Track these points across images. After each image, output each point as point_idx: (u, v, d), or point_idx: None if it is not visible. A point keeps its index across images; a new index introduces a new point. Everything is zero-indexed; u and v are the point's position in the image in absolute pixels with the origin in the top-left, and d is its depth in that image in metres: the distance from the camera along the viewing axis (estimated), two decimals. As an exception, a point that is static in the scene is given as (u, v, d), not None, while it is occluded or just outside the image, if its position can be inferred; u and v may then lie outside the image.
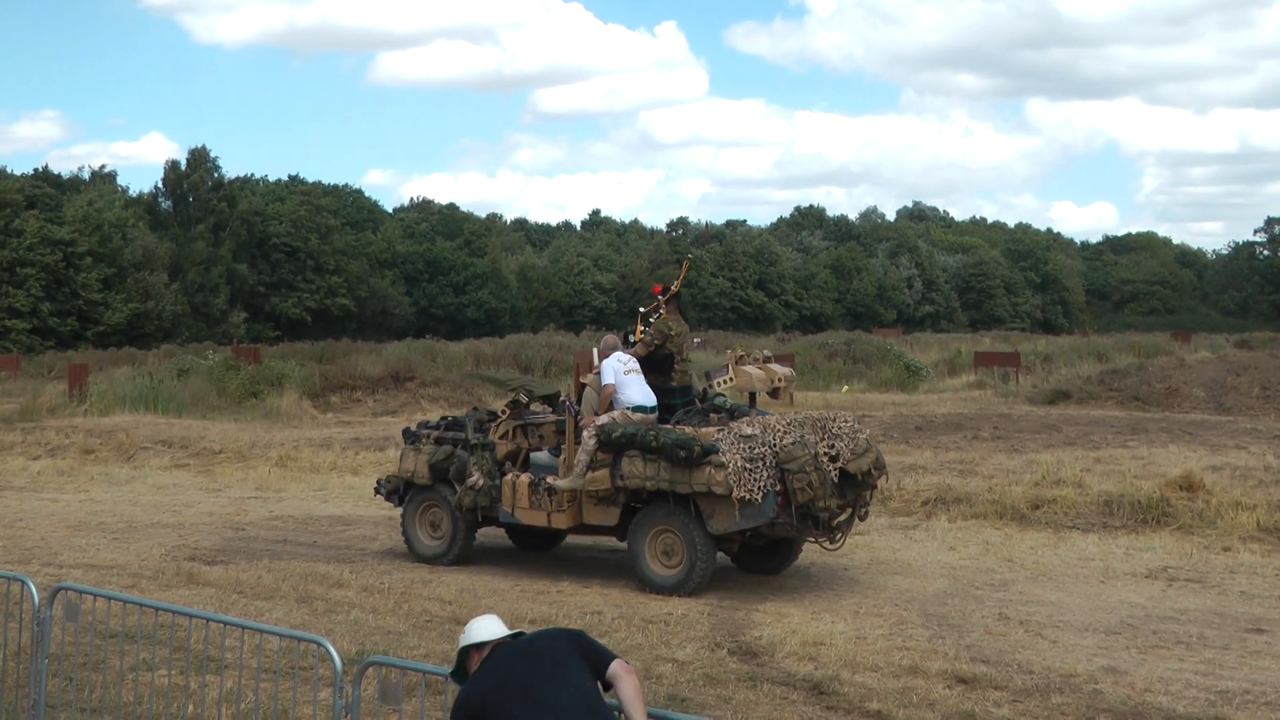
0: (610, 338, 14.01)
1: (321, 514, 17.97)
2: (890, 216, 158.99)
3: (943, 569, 14.09)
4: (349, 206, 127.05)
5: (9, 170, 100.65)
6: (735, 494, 12.22)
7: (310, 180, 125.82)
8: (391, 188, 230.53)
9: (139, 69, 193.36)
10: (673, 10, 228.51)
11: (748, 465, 12.26)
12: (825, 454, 12.61)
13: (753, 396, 14.11)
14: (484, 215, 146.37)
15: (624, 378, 13.28)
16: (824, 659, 10.23)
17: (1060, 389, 34.32)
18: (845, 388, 40.57)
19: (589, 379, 13.88)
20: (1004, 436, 24.78)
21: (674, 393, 13.64)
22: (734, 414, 13.52)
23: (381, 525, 16.89)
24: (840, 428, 13.01)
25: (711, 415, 13.48)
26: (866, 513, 13.53)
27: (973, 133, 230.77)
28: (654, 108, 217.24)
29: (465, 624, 6.21)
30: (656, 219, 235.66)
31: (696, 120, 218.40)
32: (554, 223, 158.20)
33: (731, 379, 13.77)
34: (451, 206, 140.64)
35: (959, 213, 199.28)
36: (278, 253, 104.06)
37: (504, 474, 14.05)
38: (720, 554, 13.36)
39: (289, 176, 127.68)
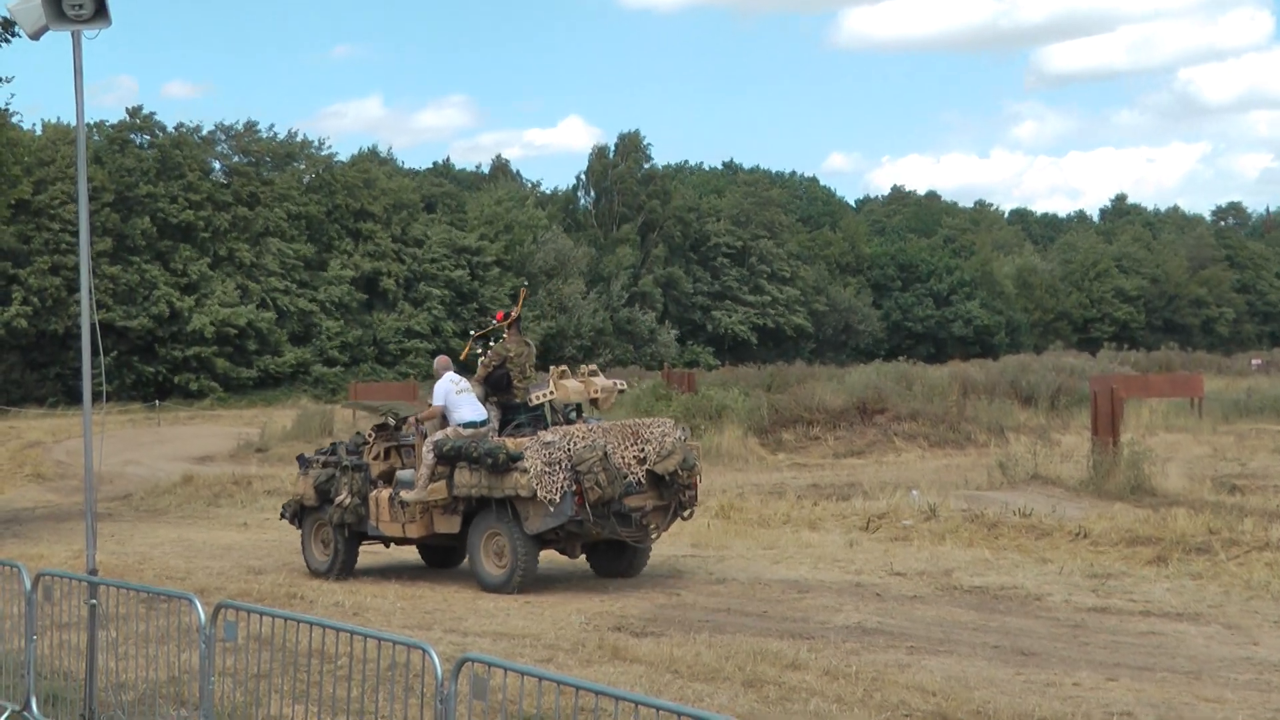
0: (441, 359, 18.88)
1: (772, 577, 18.16)
2: None
3: None
4: (802, 199, 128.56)
5: (404, 165, 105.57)
6: (537, 495, 16.46)
7: (751, 167, 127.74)
8: (856, 174, 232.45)
9: (558, 42, 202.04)
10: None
11: (547, 469, 16.52)
12: (635, 457, 17.23)
13: (579, 406, 18.58)
14: (972, 205, 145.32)
15: (455, 397, 17.90)
16: None
17: None
18: None
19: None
20: None
21: (518, 408, 18.13)
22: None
23: (846, 594, 16.91)
24: (651, 433, 17.56)
25: (559, 426, 17.71)
26: (691, 513, 18.29)
27: None
28: (1197, 62, 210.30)
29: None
30: (1199, 204, 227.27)
31: (1255, 76, 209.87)
32: (1063, 213, 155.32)
33: (553, 392, 18.16)
34: (931, 195, 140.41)
35: None
36: (719, 256, 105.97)
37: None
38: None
39: (723, 164, 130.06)
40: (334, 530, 18.86)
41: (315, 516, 19.25)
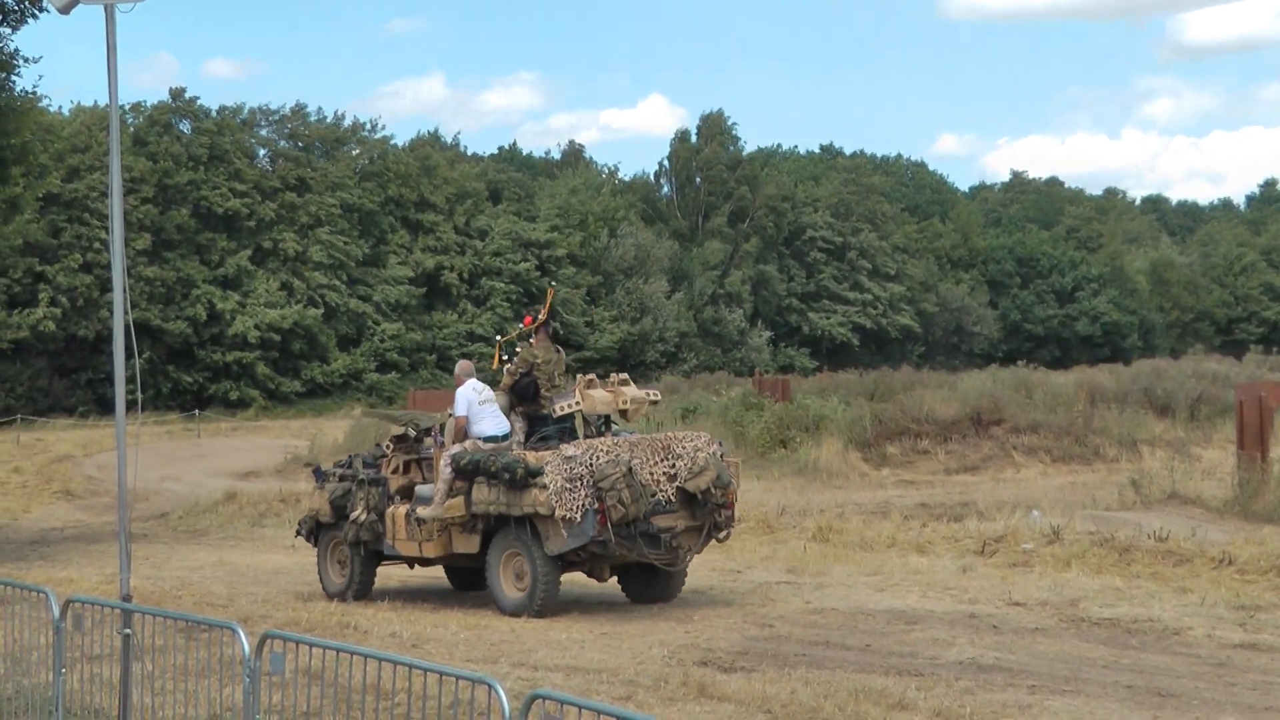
0: (464, 364, 19.06)
1: (876, 607, 18.10)
2: None
3: None
4: (908, 186, 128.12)
5: (467, 150, 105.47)
6: (557, 513, 16.87)
7: (852, 152, 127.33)
8: (969, 159, 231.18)
9: (637, 14, 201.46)
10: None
11: (568, 485, 16.94)
12: (665, 473, 17.61)
13: (607, 419, 19.10)
14: (1100, 193, 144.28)
15: (478, 408, 18.24)
16: None
17: None
18: None
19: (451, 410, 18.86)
20: None
21: (545, 419, 18.65)
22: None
23: (960, 625, 16.82)
24: (683, 448, 17.91)
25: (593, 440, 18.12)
26: (727, 535, 18.68)
27: None
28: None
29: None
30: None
31: None
32: (1204, 201, 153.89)
33: (579, 403, 18.49)
34: (1054, 182, 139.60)
35: None
36: (815, 251, 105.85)
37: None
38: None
39: (821, 148, 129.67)
40: (349, 549, 19.42)
41: (332, 534, 19.80)
